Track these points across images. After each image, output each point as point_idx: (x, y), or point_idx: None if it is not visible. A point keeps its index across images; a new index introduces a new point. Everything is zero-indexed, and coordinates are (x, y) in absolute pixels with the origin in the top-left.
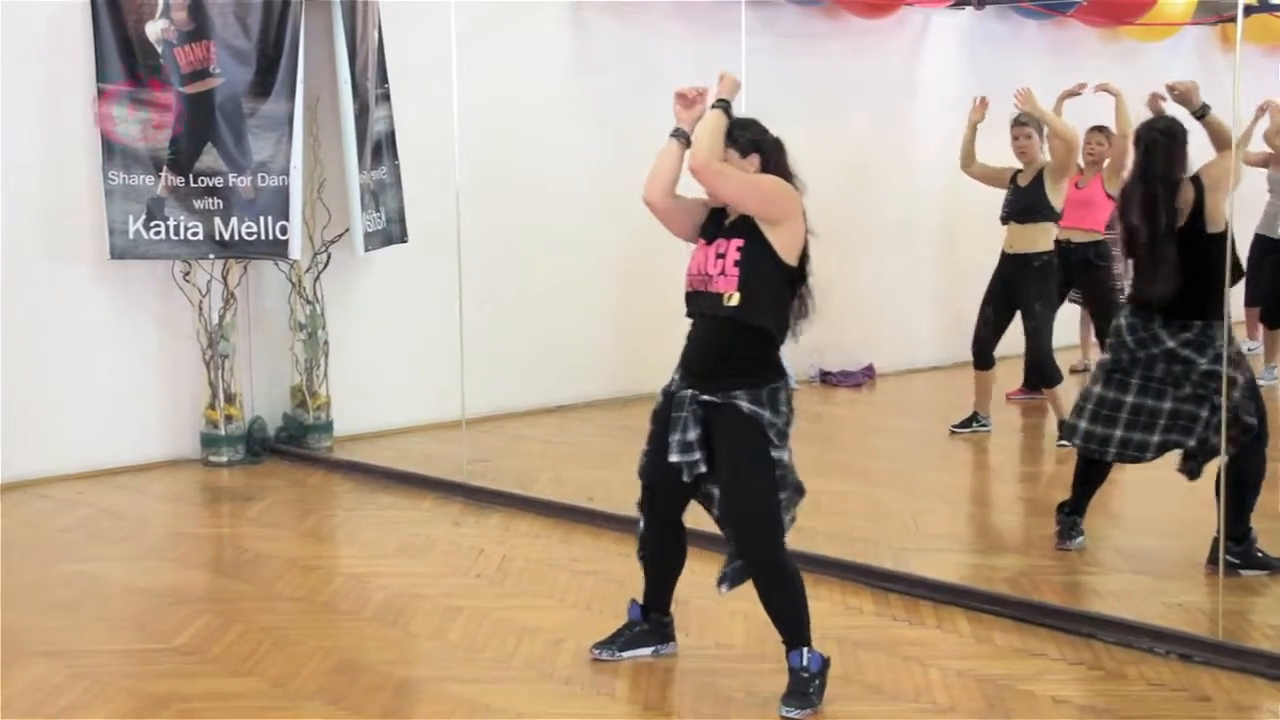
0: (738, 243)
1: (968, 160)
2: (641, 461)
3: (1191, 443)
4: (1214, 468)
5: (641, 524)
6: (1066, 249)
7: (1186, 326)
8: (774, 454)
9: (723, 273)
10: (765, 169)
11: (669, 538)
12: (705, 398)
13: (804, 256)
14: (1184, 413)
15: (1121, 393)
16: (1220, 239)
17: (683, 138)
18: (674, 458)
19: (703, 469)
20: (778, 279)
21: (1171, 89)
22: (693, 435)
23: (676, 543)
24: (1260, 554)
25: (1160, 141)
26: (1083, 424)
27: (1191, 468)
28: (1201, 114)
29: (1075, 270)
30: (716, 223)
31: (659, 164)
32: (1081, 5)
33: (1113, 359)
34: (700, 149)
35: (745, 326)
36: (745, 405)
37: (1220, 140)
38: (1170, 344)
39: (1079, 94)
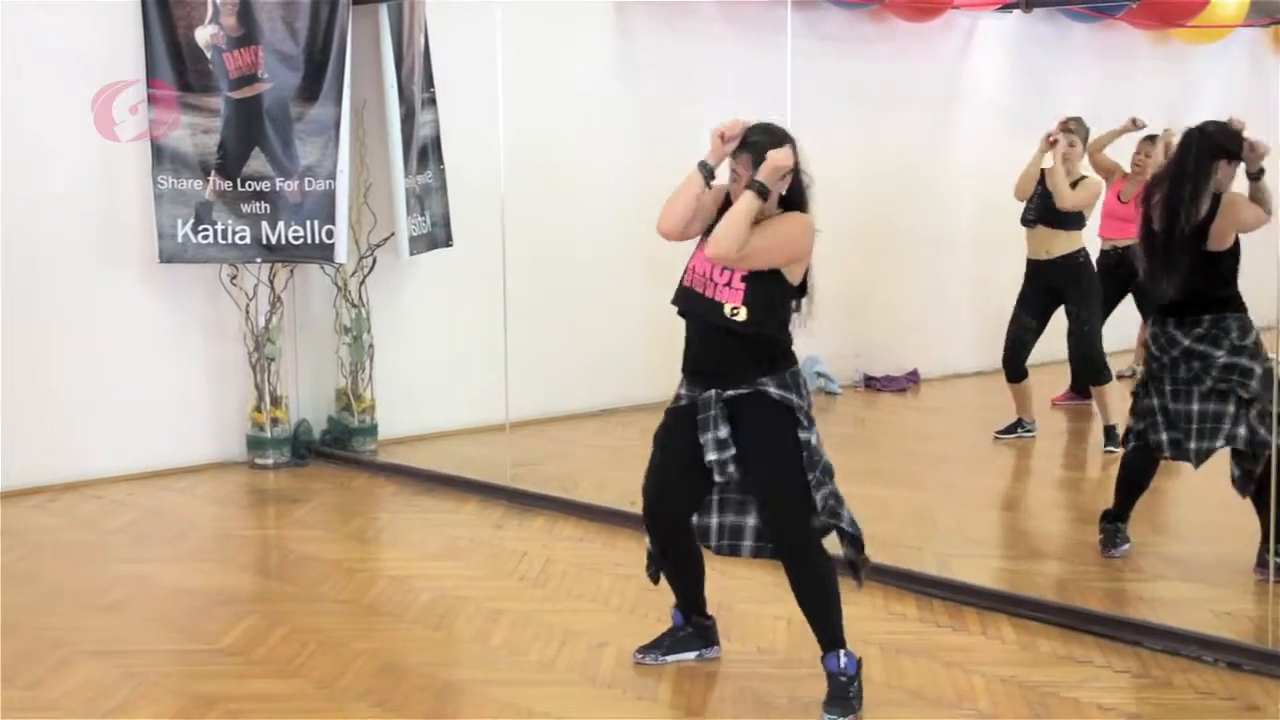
0: (740, 272)
1: (1024, 192)
2: (645, 481)
3: (1220, 443)
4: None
5: (648, 540)
6: (1117, 256)
7: (1197, 322)
8: (803, 436)
9: (729, 284)
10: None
11: (680, 550)
12: (731, 393)
13: (807, 273)
14: (1210, 413)
15: (1163, 400)
16: (1224, 254)
17: (706, 171)
18: (710, 456)
19: (715, 458)
20: (782, 294)
21: (1251, 148)
22: (724, 432)
23: (689, 551)
24: None
25: (1195, 141)
26: (1163, 436)
27: (1241, 482)
28: (1256, 176)
29: (1124, 277)
30: None
31: (679, 196)
32: (1131, 8)
33: (1147, 370)
34: (725, 239)
35: (749, 337)
36: (774, 391)
37: (1258, 203)
38: (1186, 342)
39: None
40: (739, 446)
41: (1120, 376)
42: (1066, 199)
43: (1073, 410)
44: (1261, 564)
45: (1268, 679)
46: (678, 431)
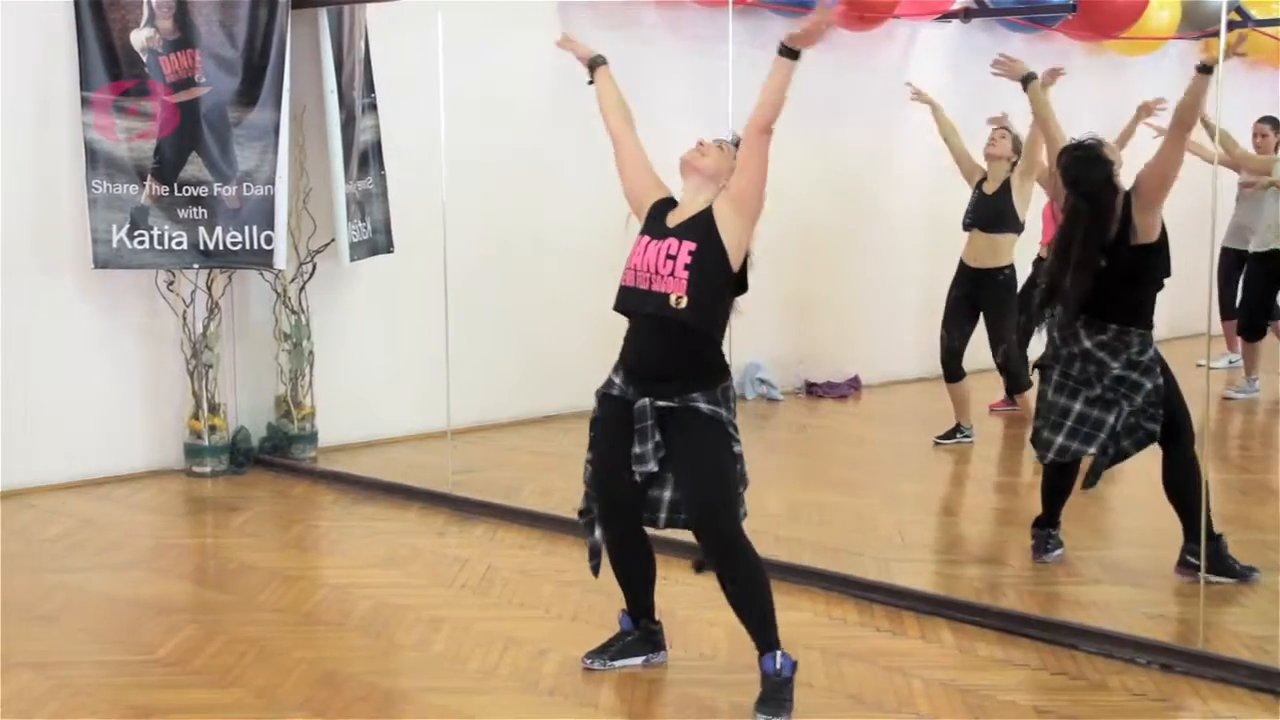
0: (690, 246)
1: (949, 131)
2: (587, 471)
3: (1092, 450)
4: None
5: (596, 535)
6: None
7: (1103, 329)
8: (737, 449)
9: (672, 274)
10: None
11: (633, 544)
12: (663, 404)
13: (746, 259)
14: (1090, 418)
15: (1054, 392)
16: (1148, 250)
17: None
18: (638, 466)
19: (654, 469)
20: (724, 285)
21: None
22: (651, 445)
23: (642, 547)
24: (1231, 561)
25: (1085, 210)
26: (1044, 434)
27: (1093, 472)
28: (1026, 81)
29: None
30: (659, 221)
31: (773, 86)
32: (1066, 19)
33: (1048, 356)
34: (773, 108)
35: (690, 330)
36: (705, 407)
37: (1038, 116)
38: (1087, 344)
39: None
40: (668, 454)
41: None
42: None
43: (1009, 416)
44: (1183, 564)
45: (1198, 679)
46: (614, 424)
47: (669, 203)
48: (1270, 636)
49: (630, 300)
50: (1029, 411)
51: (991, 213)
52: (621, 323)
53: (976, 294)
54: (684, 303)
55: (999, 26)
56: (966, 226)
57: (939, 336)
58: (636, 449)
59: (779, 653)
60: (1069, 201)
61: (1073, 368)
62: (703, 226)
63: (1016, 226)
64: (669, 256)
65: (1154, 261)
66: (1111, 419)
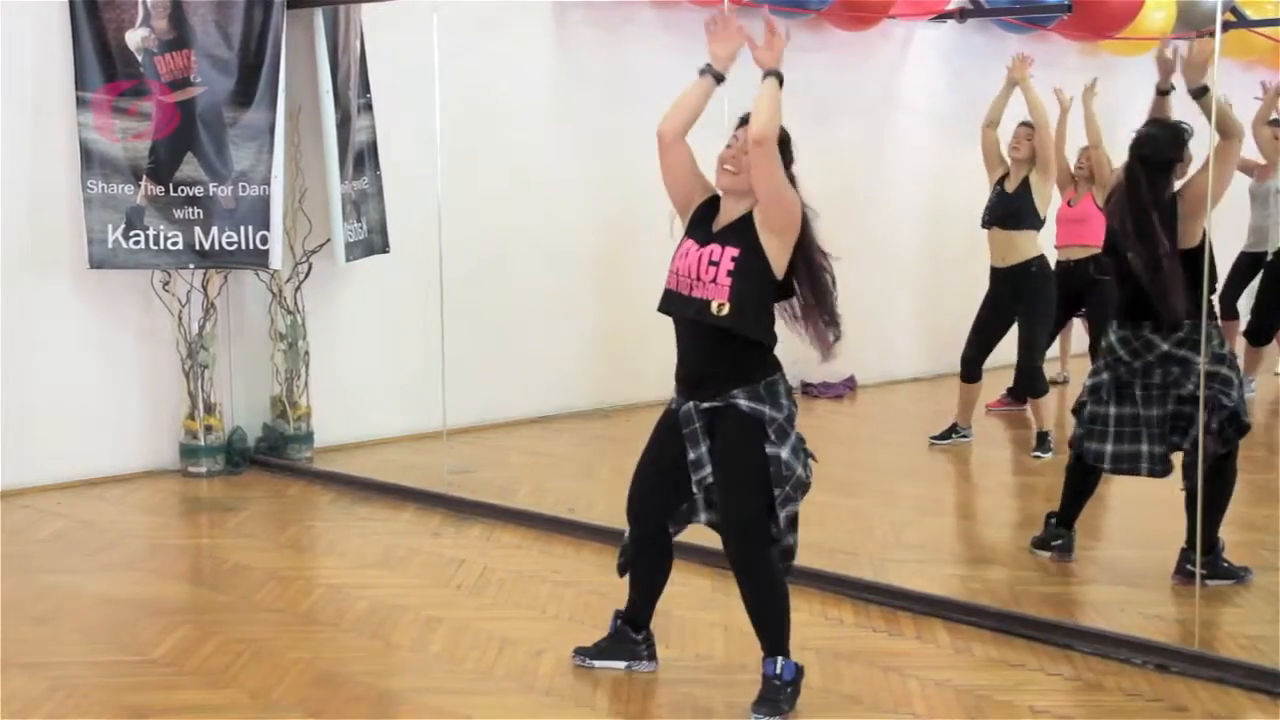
0: (732, 252)
1: (993, 120)
2: (634, 476)
3: (1188, 444)
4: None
5: (625, 539)
6: (1068, 268)
7: (1177, 326)
8: (769, 450)
9: (714, 280)
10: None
11: (655, 554)
12: (706, 405)
13: (793, 266)
14: (1184, 414)
15: (1135, 407)
16: (1190, 254)
17: (714, 75)
18: (695, 475)
19: (709, 474)
20: (767, 291)
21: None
22: (704, 448)
23: (662, 560)
24: (1226, 564)
25: (1141, 171)
26: (1109, 447)
27: (1191, 482)
28: (1200, 94)
29: (1079, 288)
30: (705, 225)
31: (685, 98)
32: (1062, 19)
33: (1111, 376)
34: (766, 120)
35: (733, 335)
36: (744, 404)
37: (1222, 128)
38: (1165, 347)
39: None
40: (712, 458)
41: (1053, 382)
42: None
43: (1008, 416)
44: (1180, 572)
45: (1193, 680)
46: (667, 436)
47: (714, 204)
48: (1266, 637)
49: (673, 305)
50: (1039, 418)
51: (1010, 210)
52: (620, 323)
53: (1011, 295)
54: (725, 309)
55: (994, 26)
56: (985, 224)
57: (969, 333)
58: (690, 455)
59: (781, 658)
60: (1130, 169)
61: (1153, 376)
62: (745, 232)
63: (1035, 223)
64: (711, 263)
65: (1199, 263)
66: (1203, 414)
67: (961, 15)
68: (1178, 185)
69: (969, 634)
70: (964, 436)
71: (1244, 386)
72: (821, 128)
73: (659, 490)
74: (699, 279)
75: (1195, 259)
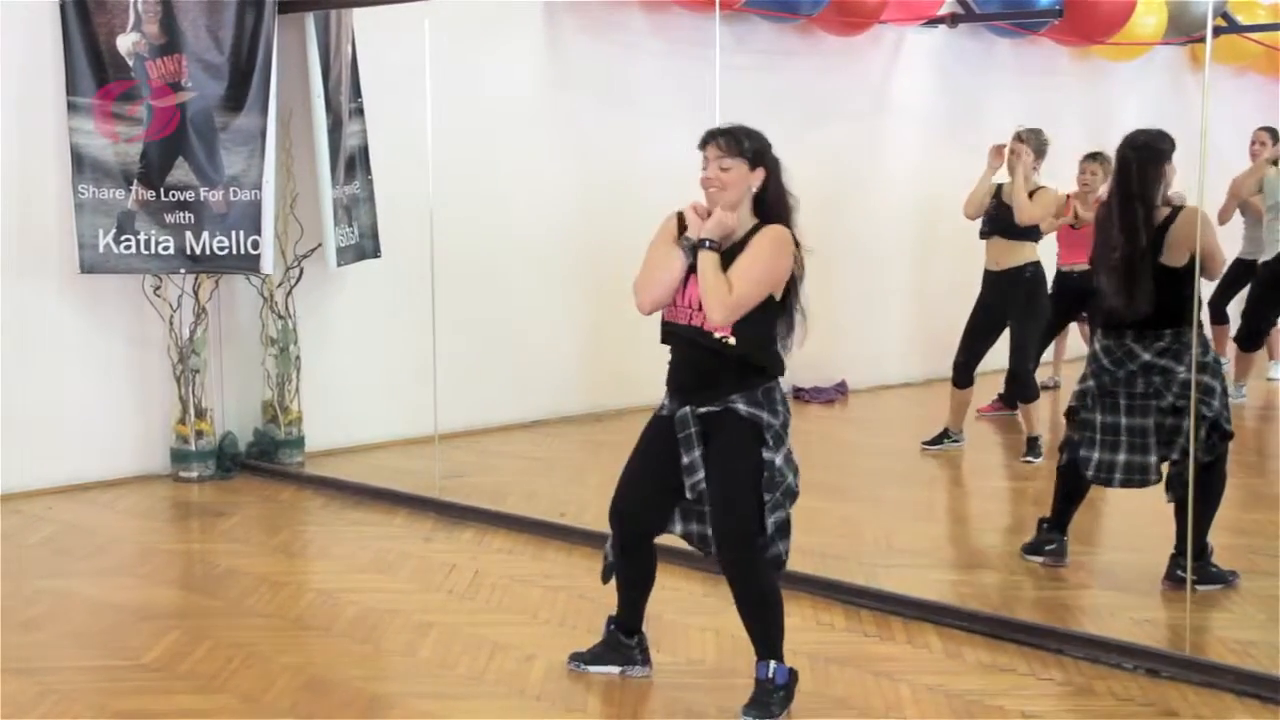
0: None
1: (975, 210)
2: (619, 483)
3: (1175, 455)
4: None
5: (608, 545)
6: (1069, 276)
7: (1159, 336)
8: (765, 455)
9: None
10: (766, 186)
11: (641, 560)
12: (703, 410)
13: (793, 281)
14: (1168, 426)
15: (1116, 415)
16: (1182, 271)
17: (689, 246)
18: (688, 479)
19: (702, 477)
20: (769, 315)
21: None
22: (698, 452)
23: (647, 564)
24: (1215, 568)
25: (1133, 159)
26: (1095, 455)
27: (1177, 493)
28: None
29: (1078, 294)
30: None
31: (661, 277)
32: (1053, 24)
33: (1096, 384)
34: (716, 308)
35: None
36: (743, 408)
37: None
38: (1146, 356)
39: None
40: (706, 463)
41: (1044, 387)
42: (1024, 213)
43: (999, 421)
44: (1170, 577)
45: (1184, 684)
46: (657, 441)
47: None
48: (1256, 642)
49: (673, 335)
50: (1029, 423)
51: (1010, 221)
52: (612, 327)
53: (1002, 299)
54: (732, 341)
55: (985, 32)
56: (984, 235)
57: (960, 338)
58: (685, 459)
59: (774, 661)
60: (1123, 211)
61: (1135, 386)
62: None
63: (1035, 235)
64: None
65: (1189, 279)
66: (1187, 424)
67: (953, 20)
68: (1170, 196)
69: (960, 639)
70: (955, 441)
71: (1227, 394)
72: (813, 133)
73: (648, 493)
74: (699, 309)
75: (1184, 275)
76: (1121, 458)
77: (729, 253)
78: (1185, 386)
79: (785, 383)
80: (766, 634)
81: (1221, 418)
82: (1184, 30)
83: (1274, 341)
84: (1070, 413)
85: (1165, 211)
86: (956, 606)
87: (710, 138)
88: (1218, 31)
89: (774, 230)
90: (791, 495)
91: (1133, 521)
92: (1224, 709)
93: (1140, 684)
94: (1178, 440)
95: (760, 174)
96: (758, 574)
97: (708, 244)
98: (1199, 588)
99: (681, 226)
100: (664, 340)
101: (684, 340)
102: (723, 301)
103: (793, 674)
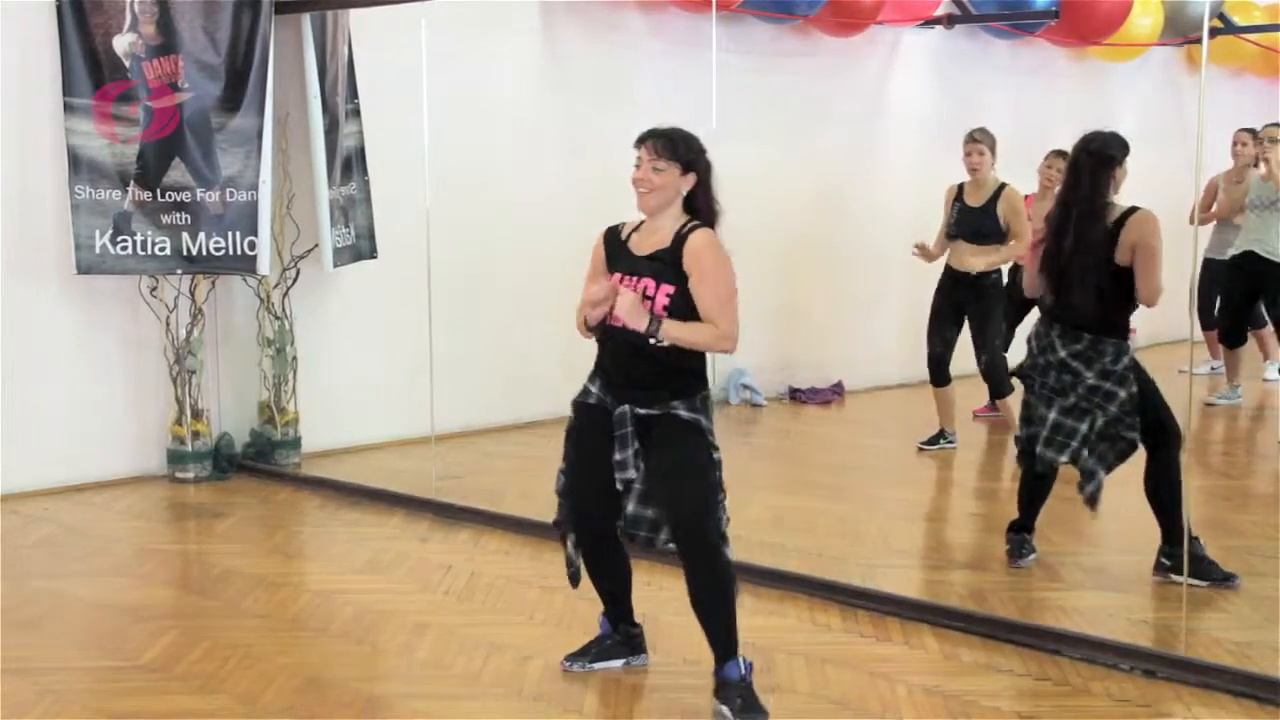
0: (667, 289)
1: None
2: (560, 481)
3: (1064, 458)
4: (1139, 480)
5: (569, 544)
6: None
7: (1077, 338)
8: (716, 456)
9: (650, 312)
10: (696, 190)
11: (608, 552)
12: (643, 411)
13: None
14: (1065, 426)
15: (1033, 398)
16: (1126, 271)
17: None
18: (621, 475)
19: (633, 476)
20: (697, 315)
21: None
22: (631, 451)
23: (617, 555)
24: (1210, 565)
25: (1086, 163)
26: (1025, 430)
27: (1089, 492)
28: None
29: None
30: (624, 251)
31: (598, 313)
32: (1049, 25)
33: (1027, 365)
34: (722, 346)
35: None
36: (684, 414)
37: None
38: (1061, 353)
39: None
40: (649, 463)
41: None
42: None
43: (993, 422)
44: (1159, 567)
45: (1180, 685)
46: (591, 433)
47: (616, 229)
48: (1252, 642)
49: (611, 339)
50: (1011, 417)
51: (976, 226)
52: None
53: (962, 299)
54: (666, 342)
55: (982, 33)
56: (951, 237)
57: (926, 341)
58: (617, 455)
59: (740, 658)
60: (1065, 212)
61: (1049, 377)
62: (676, 270)
63: (1001, 239)
64: (646, 296)
65: (1130, 281)
66: (1084, 428)
67: (949, 21)
68: (1120, 198)
69: (957, 639)
70: (950, 442)
71: (1131, 403)
72: (809, 133)
73: (602, 487)
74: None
75: (1125, 278)
76: (1039, 447)
77: (660, 256)
78: (1091, 391)
79: (782, 383)
80: (730, 629)
81: (1120, 425)
82: (1181, 31)
83: (1269, 342)
84: (1024, 406)
85: (1118, 212)
86: (953, 607)
87: (646, 138)
88: (1214, 32)
89: (701, 238)
90: (724, 492)
91: (1128, 522)
92: (1220, 709)
93: (1137, 685)
94: (1070, 444)
95: (691, 179)
96: (718, 559)
97: (652, 340)
98: (1191, 581)
99: (610, 246)
100: (600, 339)
101: (623, 344)
102: (719, 340)
103: (750, 663)
